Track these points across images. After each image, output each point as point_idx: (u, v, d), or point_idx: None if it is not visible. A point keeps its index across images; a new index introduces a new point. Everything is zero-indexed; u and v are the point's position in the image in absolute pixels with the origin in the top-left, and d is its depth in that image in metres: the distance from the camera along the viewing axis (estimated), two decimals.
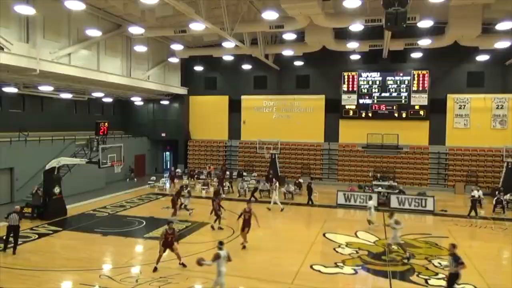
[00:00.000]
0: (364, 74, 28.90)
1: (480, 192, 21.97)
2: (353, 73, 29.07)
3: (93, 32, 20.38)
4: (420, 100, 27.91)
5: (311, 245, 14.55)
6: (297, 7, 16.68)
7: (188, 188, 20.91)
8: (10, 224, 13.16)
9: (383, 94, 28.61)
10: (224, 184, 25.02)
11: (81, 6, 15.72)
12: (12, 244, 13.15)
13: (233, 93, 32.30)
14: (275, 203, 20.30)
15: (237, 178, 24.94)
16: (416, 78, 27.97)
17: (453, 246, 9.80)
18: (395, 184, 24.78)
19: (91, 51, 22.46)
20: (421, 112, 27.95)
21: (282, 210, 20.05)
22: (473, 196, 19.71)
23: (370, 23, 18.85)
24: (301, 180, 25.76)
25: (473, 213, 19.49)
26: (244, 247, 13.84)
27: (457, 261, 9.43)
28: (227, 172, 28.45)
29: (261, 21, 20.42)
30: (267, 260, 12.90)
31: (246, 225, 13.95)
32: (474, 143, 27.12)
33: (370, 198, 17.69)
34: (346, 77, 29.25)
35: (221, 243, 9.99)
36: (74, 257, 12.83)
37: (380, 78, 28.60)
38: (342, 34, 24.62)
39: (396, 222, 13.34)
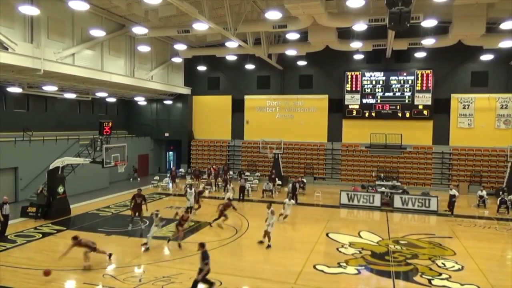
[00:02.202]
0: (367, 74, 28.85)
1: (484, 192, 22.00)
2: (357, 73, 29.02)
3: (97, 32, 20.49)
4: (423, 100, 27.83)
5: (314, 245, 14.53)
6: (300, 6, 16.66)
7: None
8: None
9: (386, 94, 28.54)
10: (228, 183, 25.02)
11: (85, 7, 15.82)
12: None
13: (236, 93, 32.31)
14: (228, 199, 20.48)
15: (238, 178, 24.92)
16: (419, 78, 27.89)
17: (201, 245, 9.98)
18: (399, 184, 24.72)
19: (95, 51, 22.55)
20: (425, 112, 27.87)
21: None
22: (450, 195, 19.69)
23: (373, 22, 18.80)
24: (304, 180, 25.74)
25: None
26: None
27: (203, 260, 9.65)
28: (230, 172, 28.50)
29: (265, 21, 20.43)
30: (270, 260, 12.91)
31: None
32: (478, 143, 27.01)
33: (291, 196, 19.83)
34: (349, 76, 29.20)
35: (157, 211, 14.11)
36: (77, 256, 12.83)
37: (384, 78, 28.53)
38: (345, 34, 24.60)
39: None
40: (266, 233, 14.23)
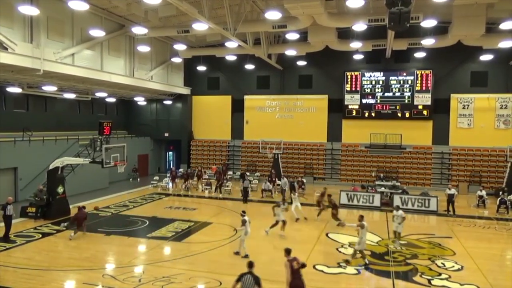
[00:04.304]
0: (367, 74, 28.86)
1: (484, 192, 21.99)
2: (356, 73, 29.04)
3: (97, 32, 20.47)
4: (423, 100, 27.84)
5: (313, 245, 14.55)
6: (300, 6, 16.67)
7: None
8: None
9: (386, 94, 28.56)
10: (223, 183, 24.91)
11: (85, 7, 15.83)
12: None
13: (236, 93, 32.31)
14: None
15: (240, 180, 24.78)
16: (419, 78, 27.91)
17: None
18: (398, 184, 24.69)
19: (94, 51, 22.54)
20: (425, 112, 27.88)
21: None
22: (449, 194, 19.70)
23: (373, 22, 18.82)
24: (304, 180, 25.68)
25: (450, 211, 19.66)
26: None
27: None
28: (230, 172, 28.40)
29: (264, 21, 20.43)
30: (270, 260, 12.88)
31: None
32: (478, 143, 27.03)
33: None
34: (349, 77, 29.21)
35: (243, 211, 13.65)
36: (77, 256, 12.88)
37: (383, 78, 28.55)
38: (345, 34, 24.62)
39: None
40: (361, 253, 12.61)
